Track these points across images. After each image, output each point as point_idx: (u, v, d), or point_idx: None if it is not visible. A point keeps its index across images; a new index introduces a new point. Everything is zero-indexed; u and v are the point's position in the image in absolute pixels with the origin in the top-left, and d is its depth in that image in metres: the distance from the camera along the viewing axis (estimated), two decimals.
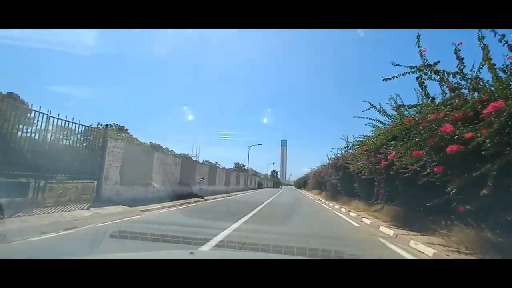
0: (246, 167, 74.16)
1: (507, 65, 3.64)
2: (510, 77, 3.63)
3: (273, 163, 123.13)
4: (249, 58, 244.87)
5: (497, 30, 3.45)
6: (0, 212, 4.95)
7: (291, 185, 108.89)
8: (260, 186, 44.42)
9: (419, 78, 4.49)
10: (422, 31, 4.34)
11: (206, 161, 54.42)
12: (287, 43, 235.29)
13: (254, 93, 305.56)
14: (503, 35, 3.49)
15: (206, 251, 3.43)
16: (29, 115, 7.23)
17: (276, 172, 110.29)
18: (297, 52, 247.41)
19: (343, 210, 11.79)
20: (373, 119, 7.78)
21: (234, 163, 70.21)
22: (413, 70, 4.38)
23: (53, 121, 7.35)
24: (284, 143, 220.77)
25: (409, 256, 4.38)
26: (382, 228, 6.78)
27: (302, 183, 52.45)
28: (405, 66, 4.43)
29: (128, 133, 32.24)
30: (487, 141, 3.28)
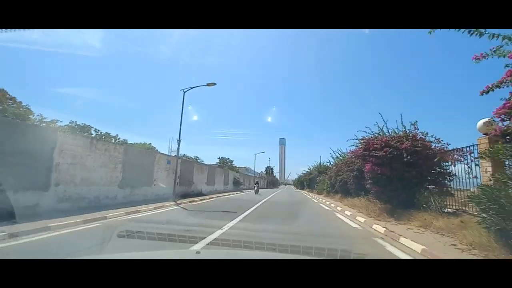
0: (230, 161, 59.11)
1: None
2: None
3: (263, 152, 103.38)
4: (248, 57, 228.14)
5: None
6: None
7: (290, 184, 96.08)
8: (238, 185, 27.43)
9: None
10: None
11: (184, 155, 39.22)
12: (286, 44, 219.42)
13: (251, 92, 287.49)
14: None
15: (212, 251, 3.25)
16: None
17: (271, 168, 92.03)
18: (298, 52, 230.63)
19: None
20: None
21: (218, 157, 54.37)
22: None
23: None
24: (282, 141, 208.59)
25: None
26: None
27: (306, 181, 36.16)
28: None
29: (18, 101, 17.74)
30: None
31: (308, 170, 32.75)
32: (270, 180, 78.91)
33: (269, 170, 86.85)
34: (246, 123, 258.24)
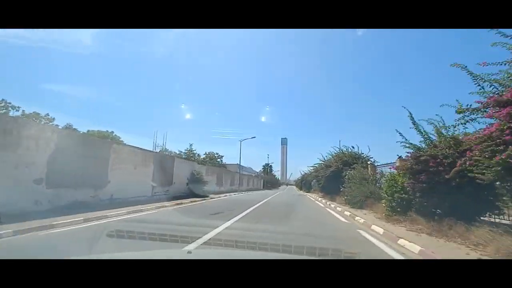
0: (220, 156, 47.53)
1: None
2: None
3: (253, 137, 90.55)
4: (248, 56, 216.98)
5: None
6: None
7: (292, 184, 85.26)
8: (200, 185, 14.93)
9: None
10: None
11: (166, 149, 28.21)
12: (286, 43, 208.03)
13: (249, 91, 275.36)
14: None
15: (204, 251, 3.32)
16: None
17: (270, 165, 79.12)
18: (297, 51, 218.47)
19: None
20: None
21: (205, 153, 42.58)
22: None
23: None
24: (284, 141, 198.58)
25: None
26: None
27: (317, 179, 23.94)
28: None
29: None
30: None
31: (322, 162, 20.52)
32: (268, 179, 66.61)
33: (267, 168, 74.47)
34: (246, 123, 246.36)
